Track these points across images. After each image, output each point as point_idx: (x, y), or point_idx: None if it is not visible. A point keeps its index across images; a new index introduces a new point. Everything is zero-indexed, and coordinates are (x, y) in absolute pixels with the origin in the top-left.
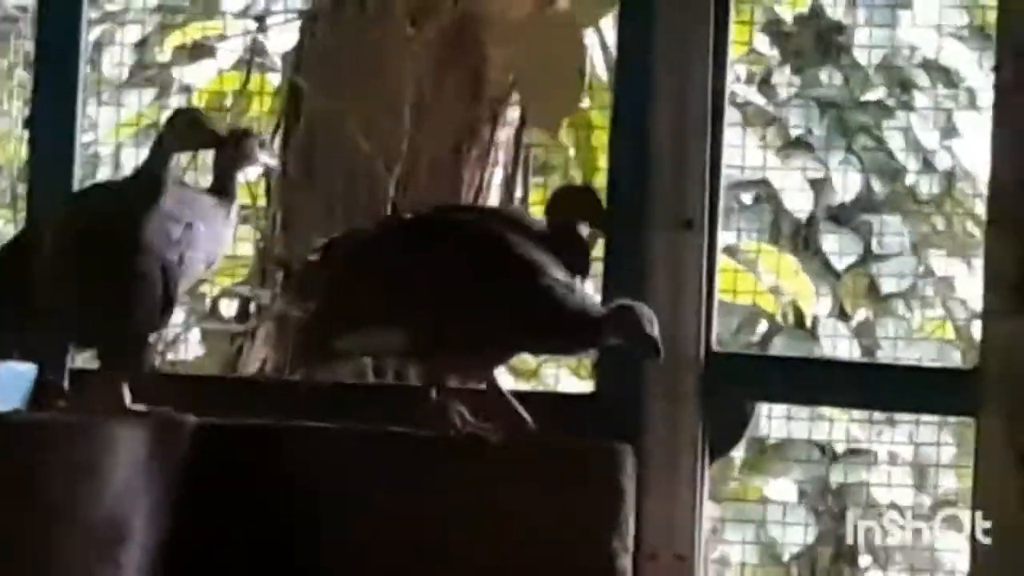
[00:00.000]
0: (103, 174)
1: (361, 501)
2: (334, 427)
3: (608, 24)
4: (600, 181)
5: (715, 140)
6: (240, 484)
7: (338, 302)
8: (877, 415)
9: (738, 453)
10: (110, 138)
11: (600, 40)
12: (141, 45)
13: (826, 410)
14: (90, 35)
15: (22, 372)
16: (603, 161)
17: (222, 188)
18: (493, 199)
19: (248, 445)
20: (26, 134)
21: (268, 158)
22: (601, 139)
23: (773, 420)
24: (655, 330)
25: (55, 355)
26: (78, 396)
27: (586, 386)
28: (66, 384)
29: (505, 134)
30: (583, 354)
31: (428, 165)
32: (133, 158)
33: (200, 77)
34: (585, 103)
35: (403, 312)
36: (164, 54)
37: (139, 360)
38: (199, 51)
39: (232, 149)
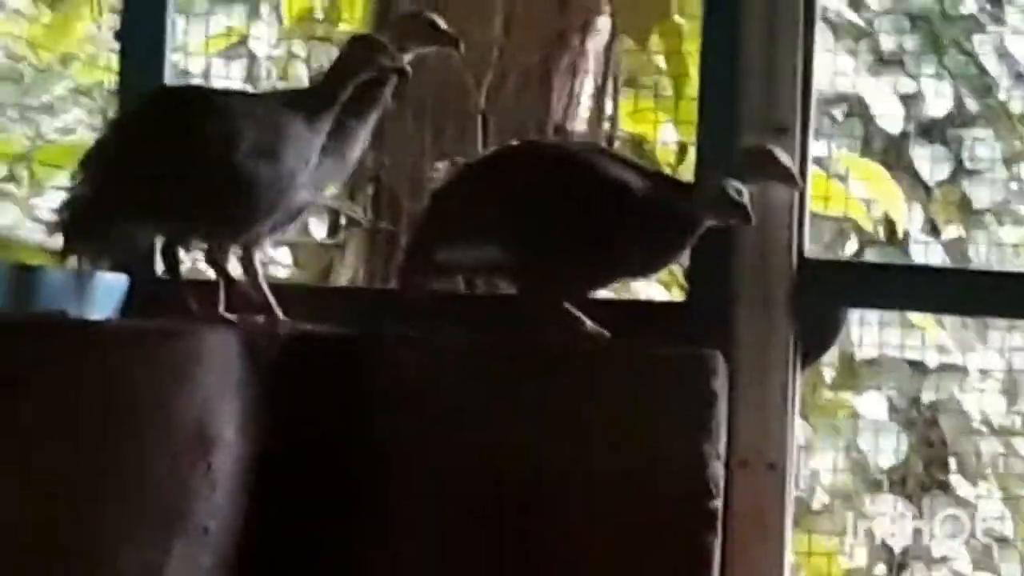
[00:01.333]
0: None
1: (453, 412)
2: (425, 337)
3: None
4: (691, 90)
5: (806, 50)
6: (330, 394)
7: (440, 217)
8: (969, 325)
9: (829, 368)
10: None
11: None
12: None
13: (917, 320)
14: None
15: (114, 282)
16: (694, 71)
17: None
18: (583, 110)
19: (339, 354)
20: (117, 50)
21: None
22: (691, 48)
23: (864, 336)
24: (744, 198)
25: (147, 264)
26: (171, 304)
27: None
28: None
29: (595, 44)
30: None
31: (518, 76)
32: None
33: None
34: (675, 12)
35: (503, 226)
36: None
37: (248, 259)
38: None
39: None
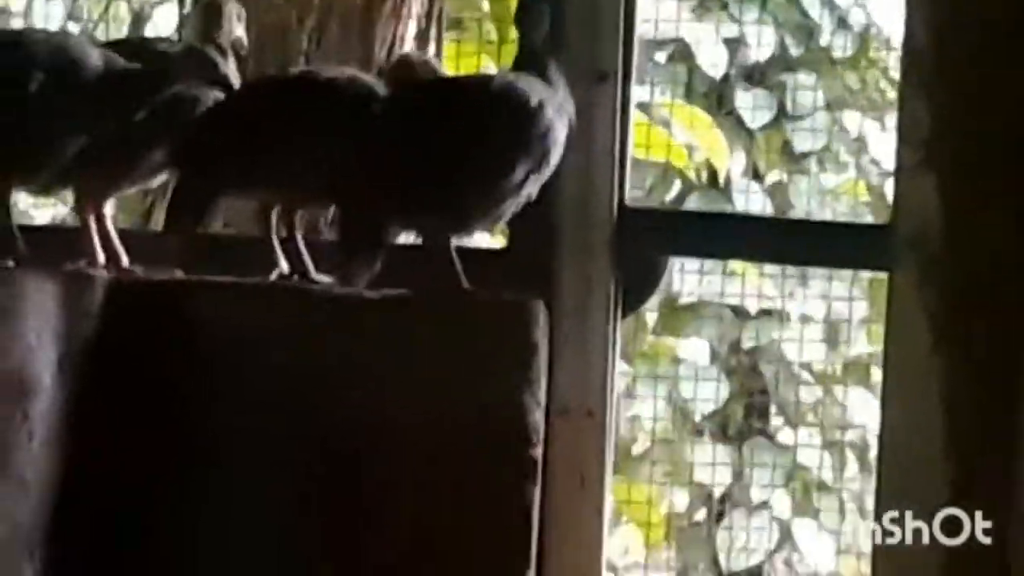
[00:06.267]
0: None
1: (267, 357)
2: (243, 282)
3: None
4: (514, 34)
5: None
6: (152, 341)
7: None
8: (790, 273)
9: (651, 313)
10: None
11: None
12: None
13: (738, 268)
14: None
15: None
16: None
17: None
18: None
19: (160, 300)
20: None
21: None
22: None
23: (685, 280)
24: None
25: None
26: None
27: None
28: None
29: None
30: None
31: (340, 19)
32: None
33: None
34: None
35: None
36: None
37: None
38: None
39: None
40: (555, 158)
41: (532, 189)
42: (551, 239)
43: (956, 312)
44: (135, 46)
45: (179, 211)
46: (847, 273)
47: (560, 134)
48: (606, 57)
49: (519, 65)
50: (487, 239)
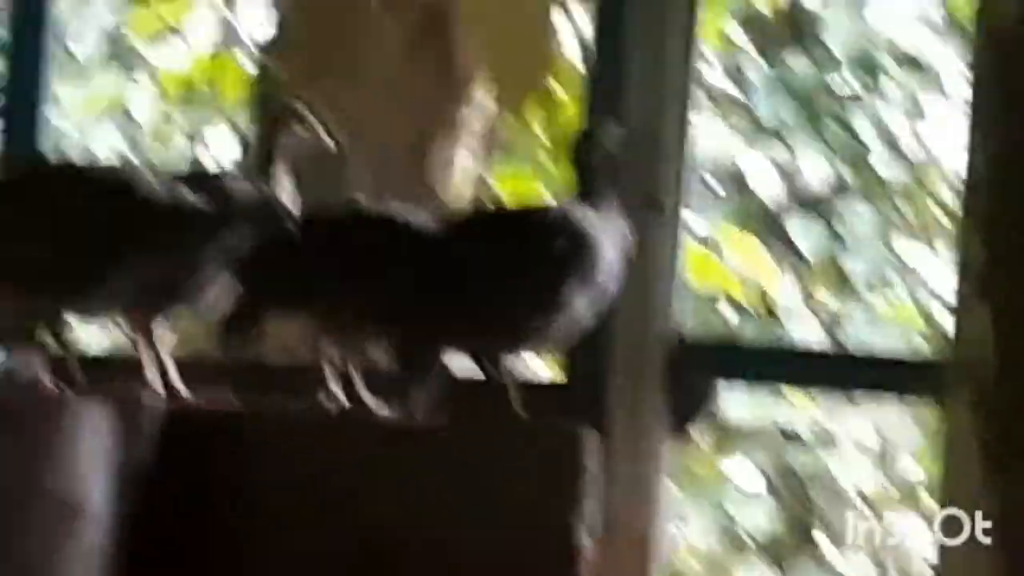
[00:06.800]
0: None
1: (321, 485)
2: (299, 409)
3: (577, 4)
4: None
5: (685, 124)
6: (205, 467)
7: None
8: (841, 397)
9: (700, 436)
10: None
11: (569, 20)
12: (112, 26)
13: (789, 391)
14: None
15: None
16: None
17: None
18: (461, 180)
19: (213, 427)
20: None
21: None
22: (570, 121)
23: (735, 403)
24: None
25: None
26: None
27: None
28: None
29: (473, 115)
30: None
31: (398, 148)
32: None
33: (170, 58)
34: (554, 83)
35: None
36: (134, 35)
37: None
38: (169, 32)
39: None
40: (611, 287)
41: (587, 317)
42: (605, 367)
43: (1009, 441)
44: (198, 179)
45: (234, 335)
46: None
47: (616, 264)
48: (661, 186)
49: (574, 193)
50: (541, 367)
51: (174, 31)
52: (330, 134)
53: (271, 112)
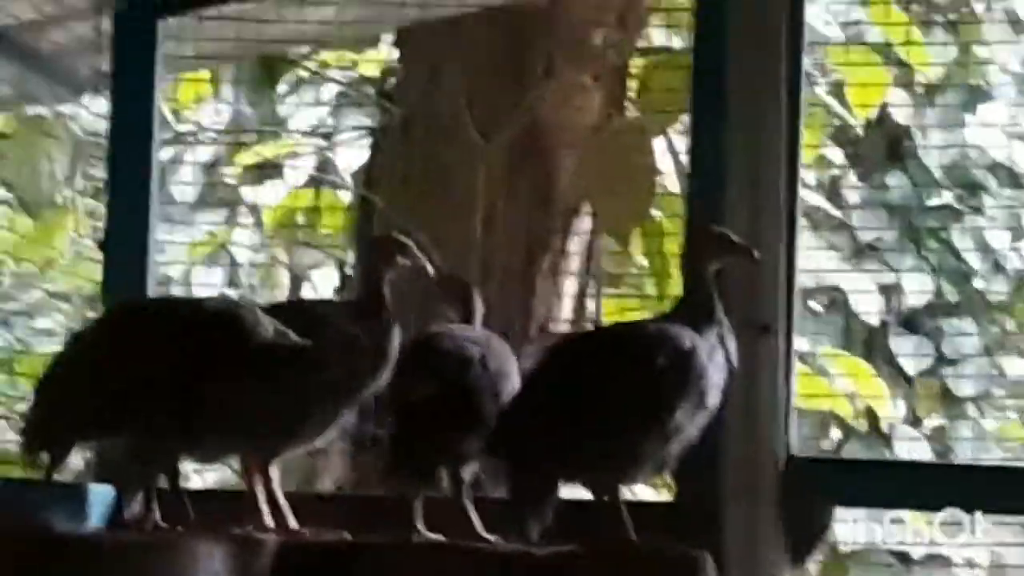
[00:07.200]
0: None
1: None
2: (411, 542)
3: (676, 131)
4: (673, 289)
5: (788, 246)
6: None
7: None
8: (954, 518)
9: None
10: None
11: (669, 147)
12: (211, 166)
13: (901, 513)
14: (161, 156)
15: (100, 492)
16: (676, 269)
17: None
18: (565, 310)
19: (329, 562)
20: (98, 256)
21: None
22: (673, 247)
23: (847, 525)
24: None
25: (133, 474)
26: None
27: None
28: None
29: (576, 244)
30: None
31: (500, 276)
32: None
33: (270, 196)
34: (656, 212)
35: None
36: (234, 174)
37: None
38: (269, 170)
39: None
40: (712, 400)
41: (692, 432)
42: (717, 490)
43: None
44: (299, 309)
45: (405, 474)
46: (1013, 517)
47: (716, 376)
48: (768, 309)
49: (677, 315)
50: (655, 492)
51: (275, 167)
52: (433, 264)
53: (374, 245)
